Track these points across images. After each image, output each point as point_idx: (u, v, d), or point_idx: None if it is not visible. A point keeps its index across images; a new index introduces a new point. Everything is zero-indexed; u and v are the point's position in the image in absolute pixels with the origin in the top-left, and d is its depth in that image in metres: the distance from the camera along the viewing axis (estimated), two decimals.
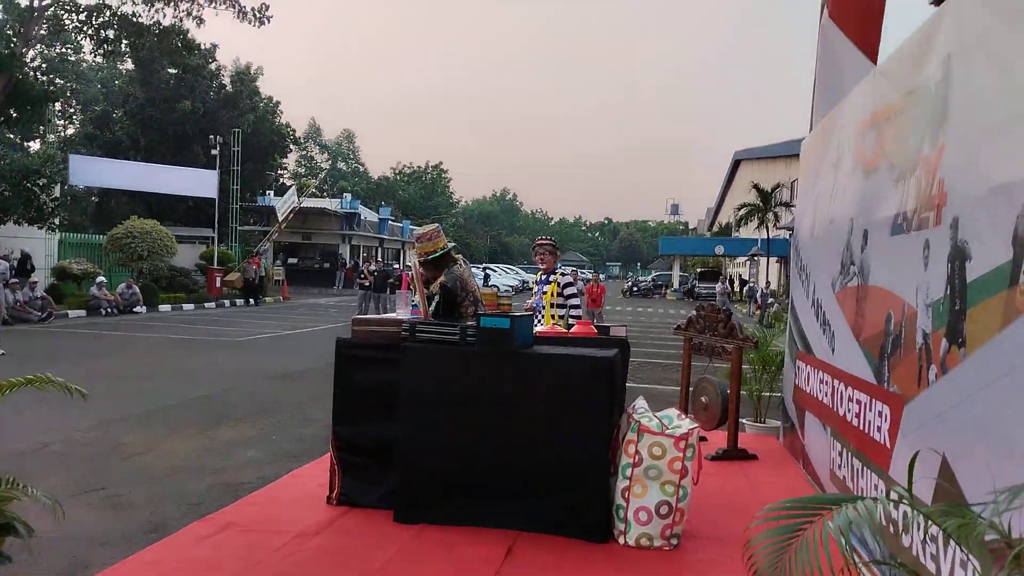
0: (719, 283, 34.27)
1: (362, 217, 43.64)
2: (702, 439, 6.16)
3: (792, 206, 27.58)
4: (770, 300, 27.62)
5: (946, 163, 3.17)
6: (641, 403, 4.39)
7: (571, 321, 6.25)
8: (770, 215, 32.97)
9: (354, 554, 3.77)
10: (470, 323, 4.36)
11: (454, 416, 4.22)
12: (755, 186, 33.42)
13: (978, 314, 2.77)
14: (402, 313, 4.98)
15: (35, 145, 32.41)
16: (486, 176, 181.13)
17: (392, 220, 49.63)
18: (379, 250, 46.36)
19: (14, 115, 23.76)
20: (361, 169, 77.80)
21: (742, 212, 34.51)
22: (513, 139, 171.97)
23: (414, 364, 4.29)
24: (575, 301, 6.54)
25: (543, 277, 6.72)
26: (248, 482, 5.27)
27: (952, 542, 2.04)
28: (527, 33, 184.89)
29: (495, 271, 45.49)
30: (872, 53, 5.12)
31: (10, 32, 22.62)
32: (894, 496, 1.93)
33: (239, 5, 24.75)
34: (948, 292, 3.04)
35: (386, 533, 4.05)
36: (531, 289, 7.12)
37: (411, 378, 4.28)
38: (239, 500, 4.68)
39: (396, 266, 31.33)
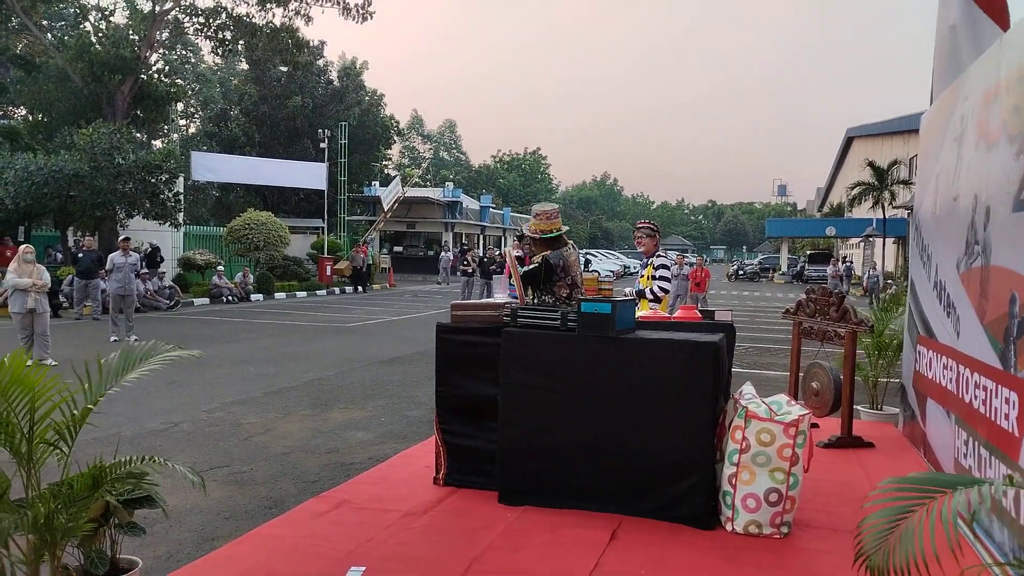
0: (831, 265, 32.83)
1: (464, 205, 44.28)
2: (814, 426, 5.98)
3: (910, 184, 26.09)
4: (887, 282, 26.27)
5: None
6: (748, 389, 4.29)
7: (655, 289, 6.20)
8: (886, 194, 31.25)
9: (460, 534, 3.87)
10: (570, 308, 4.37)
11: (556, 400, 4.25)
12: (870, 163, 31.73)
13: None
14: (501, 297, 5.04)
15: (160, 143, 34.55)
16: (586, 162, 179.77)
17: (493, 207, 50.12)
18: (480, 237, 46.95)
19: (140, 115, 25.44)
20: (462, 158, 78.92)
21: (855, 191, 32.86)
22: (614, 124, 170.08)
23: (514, 348, 4.34)
24: (662, 272, 6.37)
25: (643, 261, 6.65)
26: (359, 462, 5.48)
27: None
28: (626, 22, 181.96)
29: (596, 256, 45.24)
30: (1000, 18, 4.77)
31: (135, 37, 24.15)
32: (1017, 480, 1.82)
33: (343, 2, 25.55)
34: None
35: (491, 514, 4.14)
36: (632, 274, 7.02)
37: (511, 362, 4.33)
38: (351, 479, 4.89)
39: (499, 252, 31.68)
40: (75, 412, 2.87)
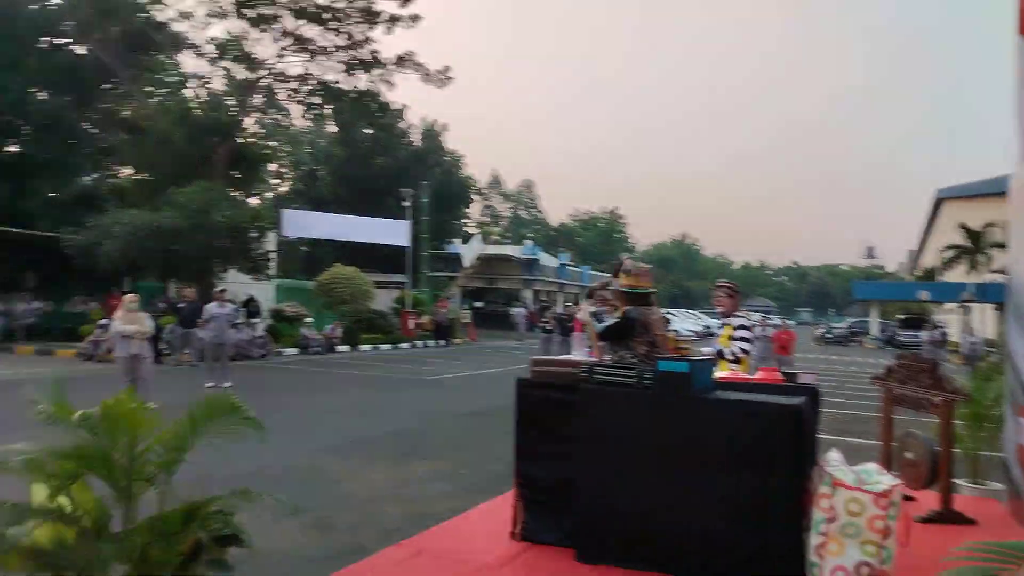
0: (925, 331, 31.44)
1: (542, 263, 44.66)
2: (909, 499, 5.73)
3: (1004, 247, 24.98)
4: (987, 350, 24.94)
5: None
6: (835, 455, 4.18)
7: (735, 350, 6.12)
8: (981, 256, 29.95)
9: None
10: (648, 366, 4.38)
11: (632, 459, 4.23)
12: (962, 226, 30.59)
13: None
14: (579, 355, 5.09)
15: (255, 202, 36.35)
16: (664, 222, 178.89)
17: (571, 265, 50.34)
18: (559, 294, 47.10)
19: (236, 175, 26.93)
20: (540, 216, 79.88)
21: (949, 254, 31.66)
22: (691, 185, 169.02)
23: (591, 405, 4.36)
24: (742, 333, 6.29)
25: (721, 321, 6.61)
26: (438, 513, 5.54)
27: None
28: (694, 75, 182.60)
29: (675, 315, 44.66)
30: None
31: (231, 103, 25.72)
32: None
33: (423, 69, 26.69)
34: None
35: (567, 570, 4.11)
36: (713, 335, 6.98)
37: (588, 418, 4.35)
38: (430, 529, 4.95)
39: (574, 308, 31.80)
40: (171, 448, 3.04)
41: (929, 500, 5.76)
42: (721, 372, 5.67)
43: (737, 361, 6.15)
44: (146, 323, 10.45)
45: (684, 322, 41.46)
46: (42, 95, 25.20)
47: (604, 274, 57.22)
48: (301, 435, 8.49)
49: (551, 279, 46.07)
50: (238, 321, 16.61)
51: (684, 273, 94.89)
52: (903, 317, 43.70)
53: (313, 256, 40.01)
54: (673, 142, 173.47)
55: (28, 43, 25.06)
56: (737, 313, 6.41)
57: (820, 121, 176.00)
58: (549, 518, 4.60)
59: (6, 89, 23.70)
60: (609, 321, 4.99)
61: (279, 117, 42.18)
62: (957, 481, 6.38)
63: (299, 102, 28.01)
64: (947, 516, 5.54)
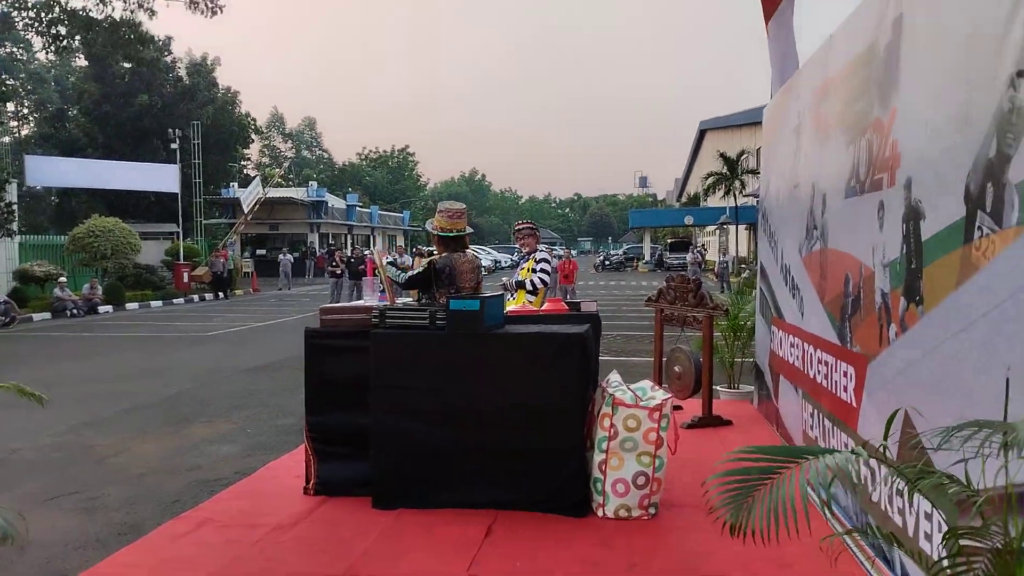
0: (689, 253, 34.50)
1: (329, 205, 43.22)
2: (677, 408, 6.24)
3: (759, 173, 27.78)
4: (741, 267, 27.85)
5: (899, 125, 3.20)
6: (615, 377, 4.42)
7: (535, 280, 6.48)
8: (737, 183, 33.18)
9: (333, 542, 3.76)
10: (438, 306, 4.35)
11: (427, 400, 4.21)
12: (721, 154, 33.58)
13: (934, 272, 2.81)
14: (370, 299, 4.94)
15: None
16: (454, 161, 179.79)
17: (360, 206, 49.18)
18: (348, 237, 45.99)
19: None
20: (325, 156, 76.98)
21: (709, 181, 34.71)
22: (481, 125, 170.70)
23: (384, 350, 4.27)
24: (543, 266, 6.63)
25: (523, 255, 6.86)
26: (224, 478, 5.23)
27: (918, 496, 2.08)
28: (481, 28, 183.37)
29: None
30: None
31: None
32: (860, 451, 1.96)
33: None
34: (904, 251, 3.08)
35: (365, 520, 4.05)
36: (502, 269, 7.25)
37: (382, 364, 4.26)
38: (215, 496, 4.65)
39: (367, 252, 31.15)
40: None
41: (695, 407, 6.34)
42: (516, 305, 5.88)
43: (535, 291, 6.42)
44: None
45: None
46: None
47: (394, 214, 56.50)
48: (58, 410, 7.60)
49: (339, 221, 44.76)
50: None
51: (474, 209, 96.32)
52: (671, 241, 47.64)
53: (65, 207, 35.77)
54: (461, 81, 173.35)
55: None
56: (539, 248, 6.67)
57: (593, 54, 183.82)
58: (344, 469, 4.49)
59: None
60: (415, 271, 4.88)
61: (16, 51, 36.68)
62: (717, 387, 7.08)
63: (40, 33, 24.33)
64: (708, 420, 6.14)
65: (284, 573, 3.43)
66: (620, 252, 55.20)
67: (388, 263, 5.08)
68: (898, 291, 3.14)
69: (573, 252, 24.54)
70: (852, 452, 1.90)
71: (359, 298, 17.96)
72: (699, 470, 4.84)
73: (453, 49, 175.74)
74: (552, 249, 18.51)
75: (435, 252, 5.08)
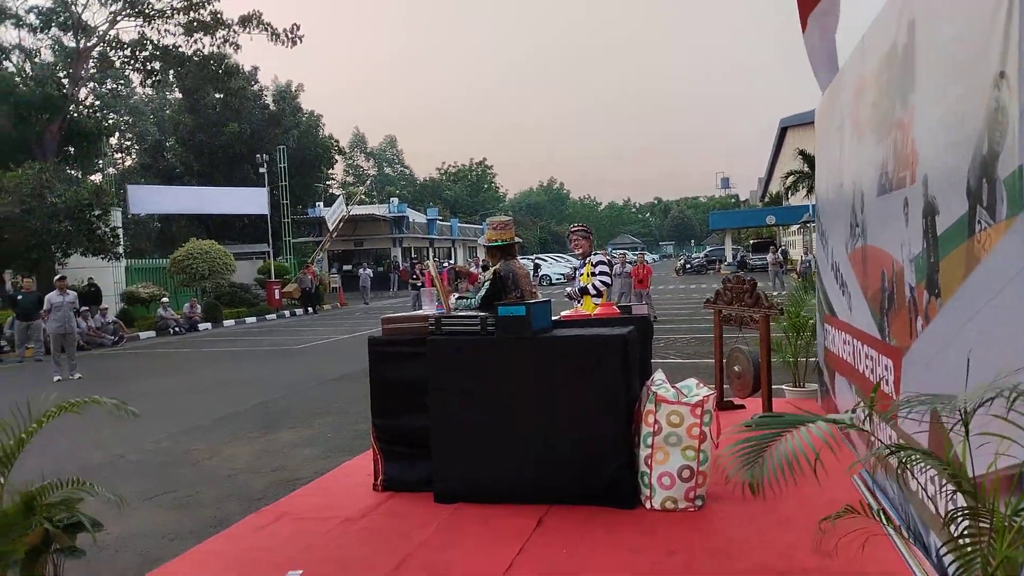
0: (770, 253, 33.77)
1: (410, 219, 44.36)
2: (740, 407, 6.32)
3: None
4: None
5: (916, 124, 3.30)
6: (659, 375, 4.60)
7: (597, 284, 6.47)
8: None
9: (396, 532, 4.09)
10: (488, 313, 4.63)
11: (482, 401, 4.50)
12: (801, 152, 32.81)
13: (947, 265, 2.91)
14: (428, 309, 5.26)
15: (97, 179, 33.96)
16: (532, 168, 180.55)
17: (440, 220, 50.25)
18: (429, 250, 47.05)
19: (72, 151, 25.07)
20: (407, 172, 78.89)
21: (790, 180, 33.95)
22: (556, 131, 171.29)
23: (440, 355, 4.58)
24: (602, 268, 6.67)
25: (580, 262, 6.94)
26: (304, 477, 5.65)
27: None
28: (556, 23, 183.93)
29: (545, 260, 45.71)
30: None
31: (61, 74, 23.81)
32: (843, 418, 2.14)
33: (271, 28, 25.61)
34: (924, 246, 3.18)
35: (427, 513, 4.36)
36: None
37: (438, 368, 4.57)
38: (293, 492, 5.07)
39: (448, 264, 31.90)
40: (10, 442, 3.01)
41: (757, 406, 6.41)
42: (583, 309, 5.98)
43: (600, 294, 6.51)
44: None
45: (555, 266, 42.56)
46: None
47: (474, 225, 57.34)
48: (160, 419, 8.29)
49: (421, 235, 45.87)
50: (83, 308, 15.73)
51: (553, 218, 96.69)
52: (753, 242, 46.65)
53: (167, 232, 37.98)
54: (533, 90, 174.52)
55: None
56: (596, 252, 6.80)
57: (670, 52, 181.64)
58: (408, 466, 4.83)
59: None
60: (482, 291, 5.14)
61: (117, 87, 39.33)
62: (782, 386, 7.10)
63: (137, 69, 26.21)
64: None
65: (350, 559, 3.77)
66: (701, 255, 54.37)
67: (457, 299, 5.32)
68: (922, 284, 3.23)
69: (651, 257, 24.51)
70: (833, 419, 2.08)
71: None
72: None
73: (524, 54, 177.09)
74: (625, 254, 18.56)
75: (488, 265, 5.37)
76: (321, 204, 40.22)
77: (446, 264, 31.61)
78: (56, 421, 3.22)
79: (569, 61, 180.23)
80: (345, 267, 41.11)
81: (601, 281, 6.67)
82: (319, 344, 16.19)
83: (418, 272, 23.45)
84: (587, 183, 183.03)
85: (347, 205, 35.07)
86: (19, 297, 15.67)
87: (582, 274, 6.84)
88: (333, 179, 54.92)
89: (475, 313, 4.78)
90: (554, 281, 37.35)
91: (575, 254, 7.22)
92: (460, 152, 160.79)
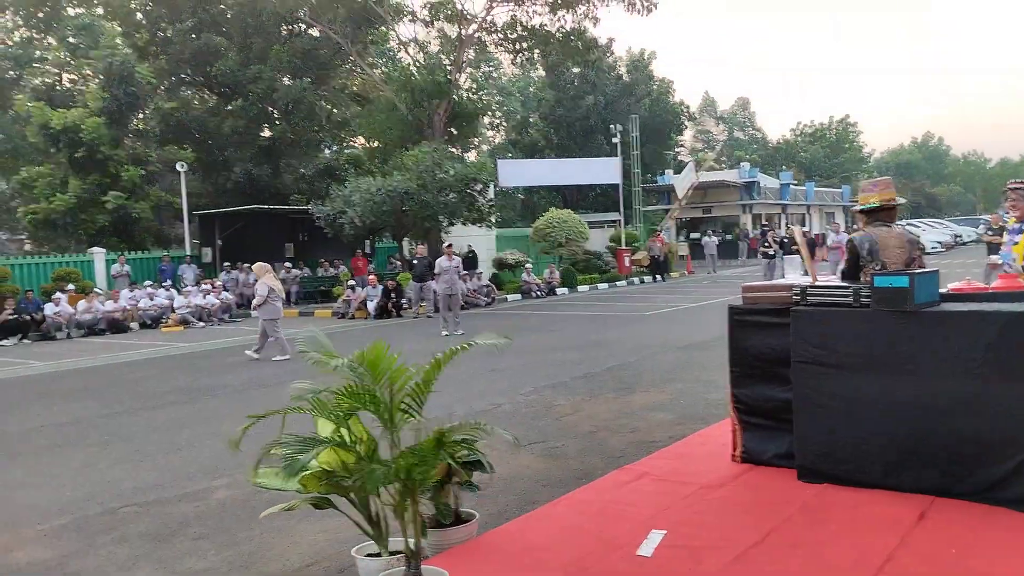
0: None
1: (762, 185, 42.52)
2: None
3: None
4: None
5: None
6: None
7: None
8: None
9: (756, 506, 4.03)
10: (863, 284, 4.28)
11: (850, 377, 4.19)
12: None
13: None
14: (792, 278, 5.04)
15: (471, 156, 38.12)
16: (904, 123, 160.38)
17: (794, 184, 47.34)
18: (782, 217, 44.66)
19: (454, 132, 28.42)
20: (758, 135, 75.58)
21: None
22: (927, 78, 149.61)
23: (805, 327, 4.35)
24: None
25: (1015, 227, 5.75)
26: (659, 440, 5.81)
27: None
28: None
29: (920, 227, 40.68)
30: None
31: (447, 62, 27.05)
32: None
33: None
34: None
35: (788, 490, 4.22)
36: (963, 244, 6.18)
37: (802, 341, 4.35)
38: (652, 454, 5.25)
39: (802, 230, 30.06)
40: (419, 383, 3.53)
41: None
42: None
43: None
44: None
45: (930, 233, 37.72)
46: (286, 80, 28.14)
47: (832, 189, 53.08)
48: (528, 374, 9.11)
49: (772, 201, 43.71)
50: (463, 272, 17.81)
51: (929, 178, 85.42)
52: None
53: (528, 203, 41.35)
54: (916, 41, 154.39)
55: (272, 33, 28.08)
56: None
57: None
58: (769, 439, 4.70)
59: (260, 78, 26.75)
60: (842, 265, 4.77)
61: (490, 69, 43.71)
62: None
63: (507, 51, 28.88)
64: None
65: (709, 525, 3.81)
66: None
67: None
68: None
69: None
70: None
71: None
72: None
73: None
74: None
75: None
76: (670, 171, 40.43)
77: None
78: (441, 376, 3.62)
79: None
80: (692, 235, 40.96)
81: None
82: (666, 311, 16.42)
83: (770, 240, 22.43)
84: (972, 138, 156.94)
85: (696, 171, 34.73)
86: (414, 262, 18.32)
87: (1015, 242, 5.62)
88: (682, 146, 54.80)
89: (846, 284, 4.45)
90: (928, 250, 33.08)
91: (1008, 217, 5.94)
92: (818, 111, 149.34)
